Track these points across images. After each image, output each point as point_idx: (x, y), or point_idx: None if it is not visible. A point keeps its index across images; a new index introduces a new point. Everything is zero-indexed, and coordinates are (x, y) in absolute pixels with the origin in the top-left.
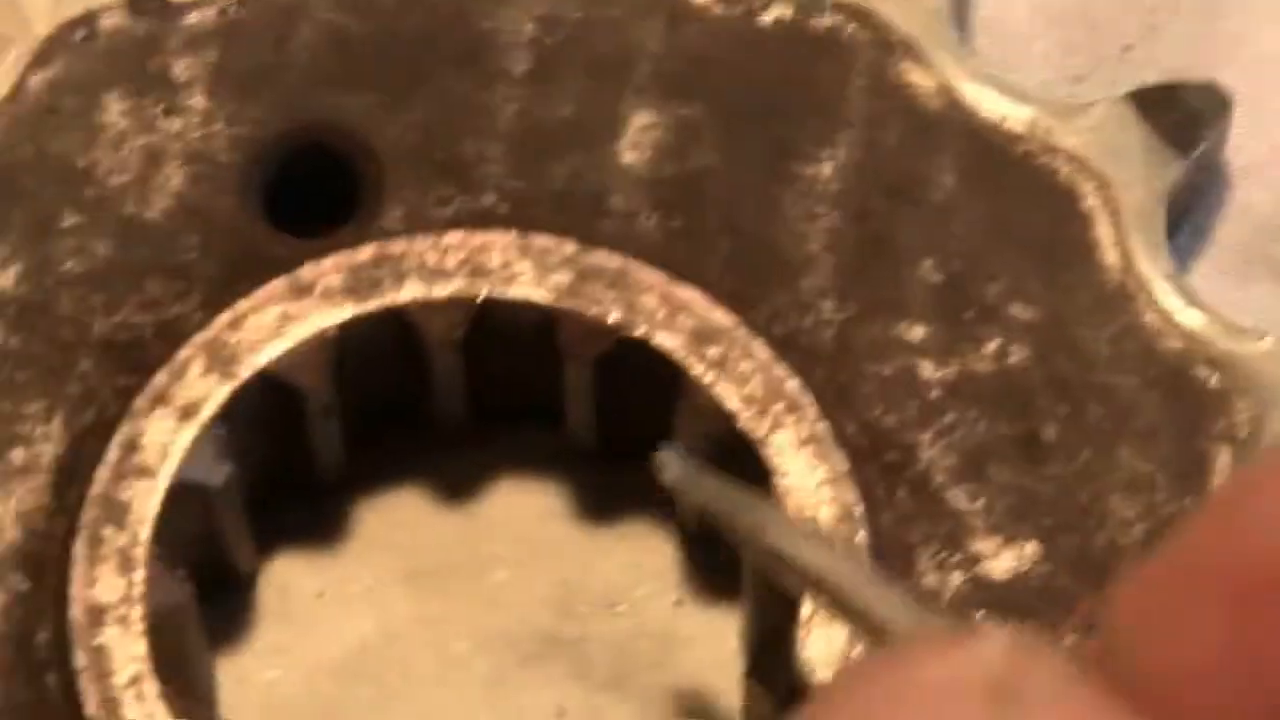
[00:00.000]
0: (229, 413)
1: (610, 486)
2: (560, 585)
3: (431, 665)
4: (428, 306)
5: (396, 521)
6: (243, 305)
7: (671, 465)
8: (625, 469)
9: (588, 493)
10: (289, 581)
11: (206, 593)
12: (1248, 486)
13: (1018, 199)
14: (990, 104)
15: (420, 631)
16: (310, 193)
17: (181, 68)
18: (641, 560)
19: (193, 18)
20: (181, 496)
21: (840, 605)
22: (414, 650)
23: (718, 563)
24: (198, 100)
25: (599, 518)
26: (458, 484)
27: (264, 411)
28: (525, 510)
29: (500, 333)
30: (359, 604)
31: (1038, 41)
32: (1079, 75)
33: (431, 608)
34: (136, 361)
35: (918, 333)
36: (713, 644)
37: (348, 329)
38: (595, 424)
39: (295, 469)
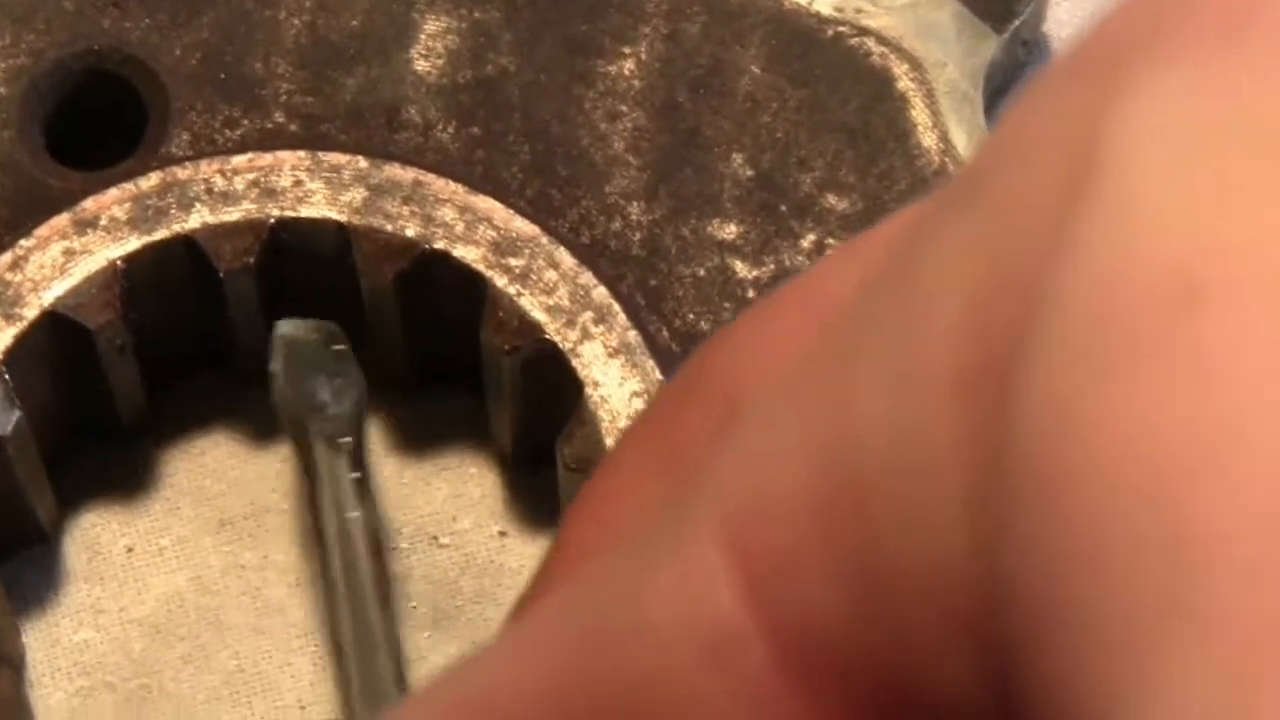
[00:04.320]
0: (15, 357)
1: (423, 416)
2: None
3: (248, 614)
4: (217, 232)
5: (205, 468)
6: (24, 244)
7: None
8: (437, 395)
9: (401, 424)
10: (96, 536)
11: (8, 551)
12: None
13: (829, 85)
14: None
15: (235, 581)
16: (93, 123)
17: None
18: (462, 491)
19: None
20: None
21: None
22: (229, 600)
23: (541, 491)
24: None
25: (415, 449)
26: (266, 424)
27: (54, 353)
28: None
29: (295, 257)
30: (170, 557)
31: None
32: None
33: (245, 556)
34: None
35: (730, 231)
36: None
37: (135, 261)
38: (403, 349)
39: (94, 415)
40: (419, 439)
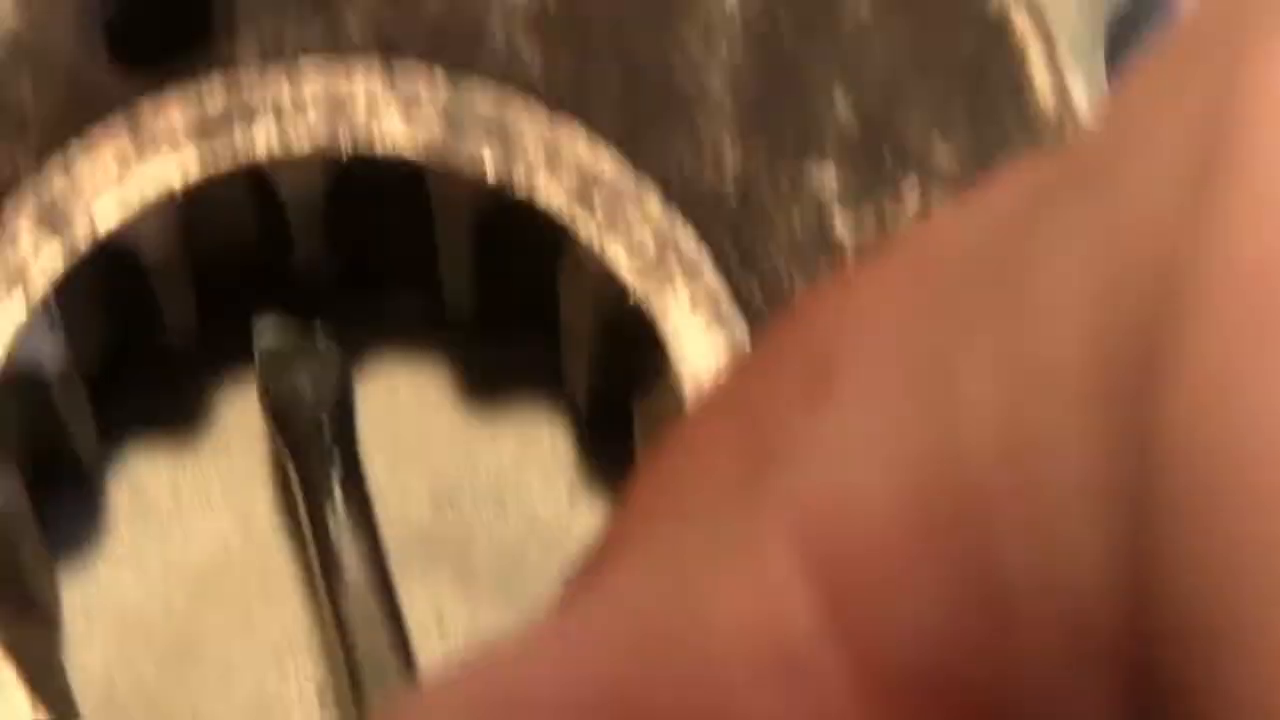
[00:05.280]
0: (63, 286)
1: (493, 363)
2: (440, 478)
3: (299, 572)
4: (284, 163)
5: (257, 407)
6: (77, 152)
7: (267, 334)
8: (508, 342)
9: (469, 371)
10: (141, 477)
11: (45, 490)
12: None
13: (944, 26)
14: None
15: (286, 535)
16: (155, 19)
17: None
18: (529, 449)
19: None
20: (12, 380)
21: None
22: (280, 557)
23: (616, 451)
24: None
25: (482, 400)
26: None
27: (105, 284)
28: (401, 393)
29: (367, 192)
30: (219, 504)
31: None
32: None
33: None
34: None
35: (830, 176)
36: None
37: (195, 190)
38: (475, 292)
39: (143, 343)
40: (485, 389)
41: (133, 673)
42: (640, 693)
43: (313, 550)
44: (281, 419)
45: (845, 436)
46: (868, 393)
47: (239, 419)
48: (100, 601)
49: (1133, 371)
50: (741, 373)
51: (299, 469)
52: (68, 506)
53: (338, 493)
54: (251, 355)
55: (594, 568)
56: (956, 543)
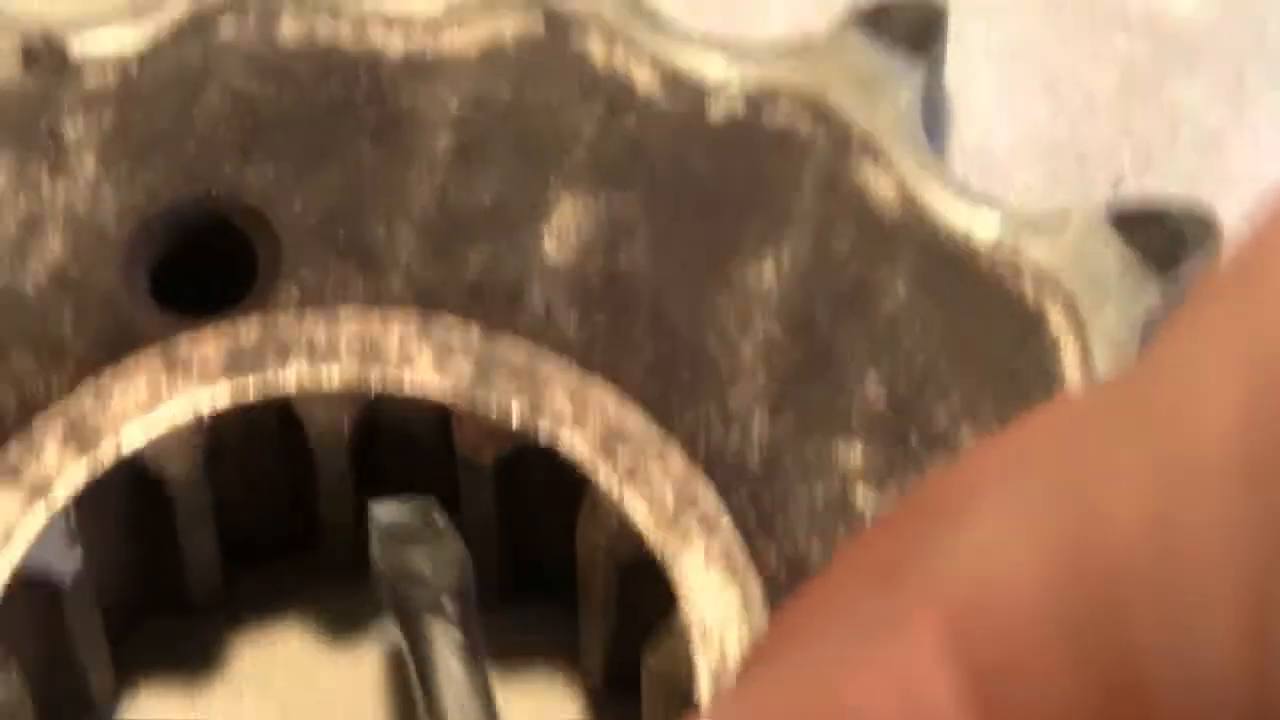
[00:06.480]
0: (86, 502)
1: (512, 628)
2: None
3: None
4: (313, 398)
5: (274, 658)
6: (110, 378)
7: (383, 513)
8: (529, 605)
9: (486, 633)
10: (152, 716)
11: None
12: None
13: (978, 316)
14: (955, 213)
15: None
16: (200, 270)
17: (74, 128)
18: (543, 715)
19: (91, 76)
20: (25, 586)
21: None
22: None
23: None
24: (88, 164)
25: (498, 663)
26: (345, 621)
27: (128, 506)
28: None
29: (393, 432)
30: None
31: (1020, 172)
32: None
33: None
34: None
35: (856, 454)
36: None
37: (223, 418)
38: (496, 543)
39: (165, 585)
40: (503, 652)
41: None
42: None
43: None
44: (400, 599)
45: (988, 536)
46: (1010, 501)
47: (254, 669)
48: None
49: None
50: (883, 525)
51: (415, 651)
52: None
53: (457, 672)
54: (271, 607)
55: (742, 676)
56: (1098, 631)
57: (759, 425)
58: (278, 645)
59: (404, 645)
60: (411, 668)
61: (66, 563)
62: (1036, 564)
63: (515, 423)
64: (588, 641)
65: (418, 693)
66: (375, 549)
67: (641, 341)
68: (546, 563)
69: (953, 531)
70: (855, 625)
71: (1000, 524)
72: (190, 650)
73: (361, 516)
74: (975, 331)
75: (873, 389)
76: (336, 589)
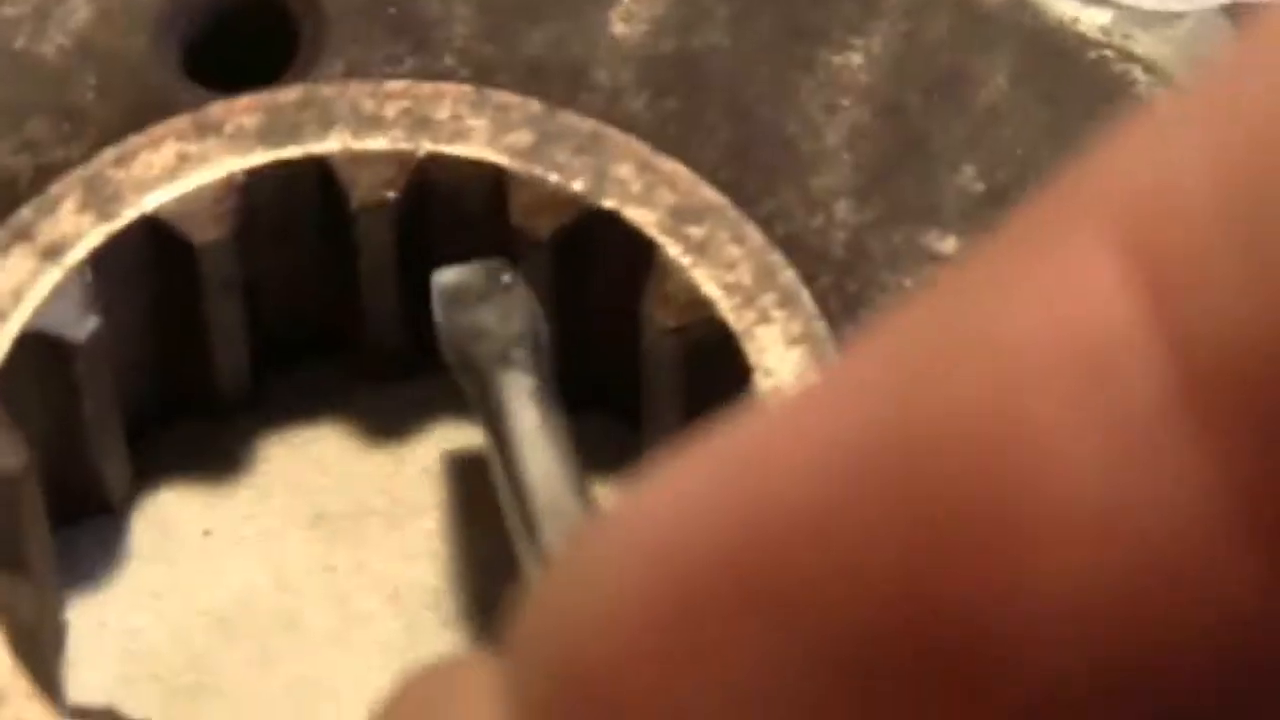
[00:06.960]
0: (104, 267)
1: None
2: (497, 542)
3: (330, 620)
4: (356, 159)
5: (307, 458)
6: (135, 141)
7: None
8: (588, 409)
9: None
10: (171, 515)
11: (68, 515)
12: None
13: (1082, 108)
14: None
15: (321, 583)
16: (238, 49)
17: None
18: None
19: None
20: (34, 349)
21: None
22: (310, 604)
23: None
24: None
25: None
26: (383, 422)
27: (151, 273)
28: (462, 453)
29: (442, 200)
30: (252, 547)
31: None
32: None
33: (338, 556)
34: (4, 201)
35: (950, 244)
36: None
37: (256, 177)
38: (554, 345)
39: (189, 379)
40: None
41: (137, 704)
42: (914, 420)
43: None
44: (467, 358)
45: (1162, 138)
46: (1185, 105)
47: (285, 469)
48: (109, 633)
49: None
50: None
51: (484, 408)
52: (87, 534)
53: (530, 421)
54: (304, 409)
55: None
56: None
57: (844, 211)
58: (311, 446)
59: (479, 411)
60: (486, 430)
61: (80, 328)
62: (1218, 166)
63: (578, 187)
64: (651, 430)
65: (492, 454)
66: (439, 313)
67: (717, 123)
68: (607, 360)
69: (1123, 138)
70: (1003, 258)
71: (1177, 124)
72: (216, 452)
73: (406, 305)
74: (1079, 124)
75: (969, 178)
76: (379, 391)
